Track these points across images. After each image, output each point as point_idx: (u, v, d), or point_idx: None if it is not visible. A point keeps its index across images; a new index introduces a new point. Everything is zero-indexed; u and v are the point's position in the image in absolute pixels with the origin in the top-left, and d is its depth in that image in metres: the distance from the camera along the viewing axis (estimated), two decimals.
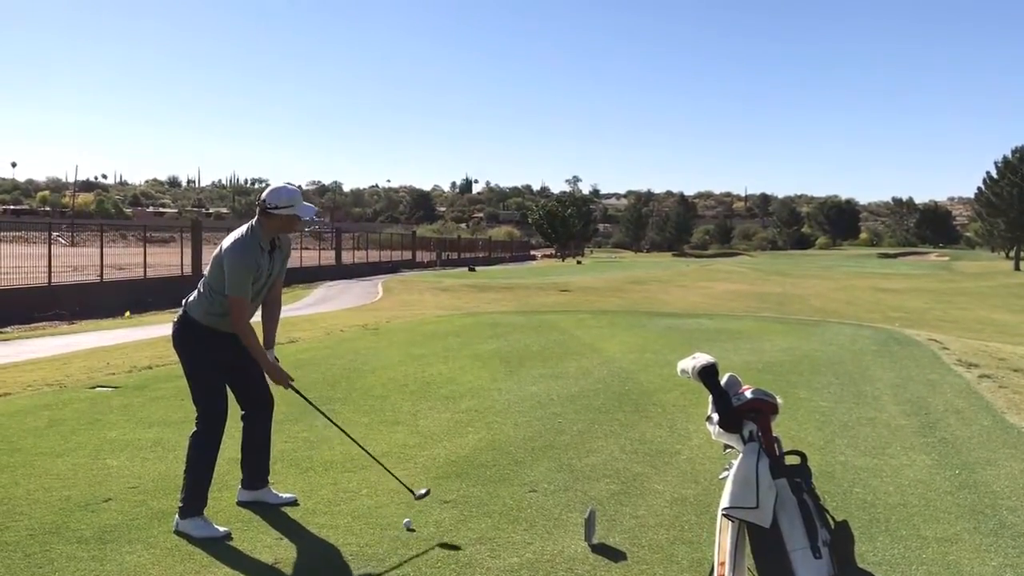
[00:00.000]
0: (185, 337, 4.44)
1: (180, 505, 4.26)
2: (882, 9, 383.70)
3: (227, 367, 4.45)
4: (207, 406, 4.37)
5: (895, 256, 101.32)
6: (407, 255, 55.04)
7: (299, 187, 4.52)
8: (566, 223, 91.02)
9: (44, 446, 5.75)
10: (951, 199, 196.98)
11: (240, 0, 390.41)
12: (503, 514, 4.52)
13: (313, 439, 6.00)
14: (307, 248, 40.80)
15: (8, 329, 17.99)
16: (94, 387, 8.05)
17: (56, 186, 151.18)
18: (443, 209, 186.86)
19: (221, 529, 4.19)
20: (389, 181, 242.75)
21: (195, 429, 4.37)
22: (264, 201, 4.32)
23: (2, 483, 4.91)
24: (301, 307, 22.22)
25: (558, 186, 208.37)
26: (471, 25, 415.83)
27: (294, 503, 4.65)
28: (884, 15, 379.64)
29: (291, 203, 4.31)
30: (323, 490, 4.89)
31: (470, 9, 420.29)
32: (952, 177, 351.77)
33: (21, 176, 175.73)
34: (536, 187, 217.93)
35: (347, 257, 44.60)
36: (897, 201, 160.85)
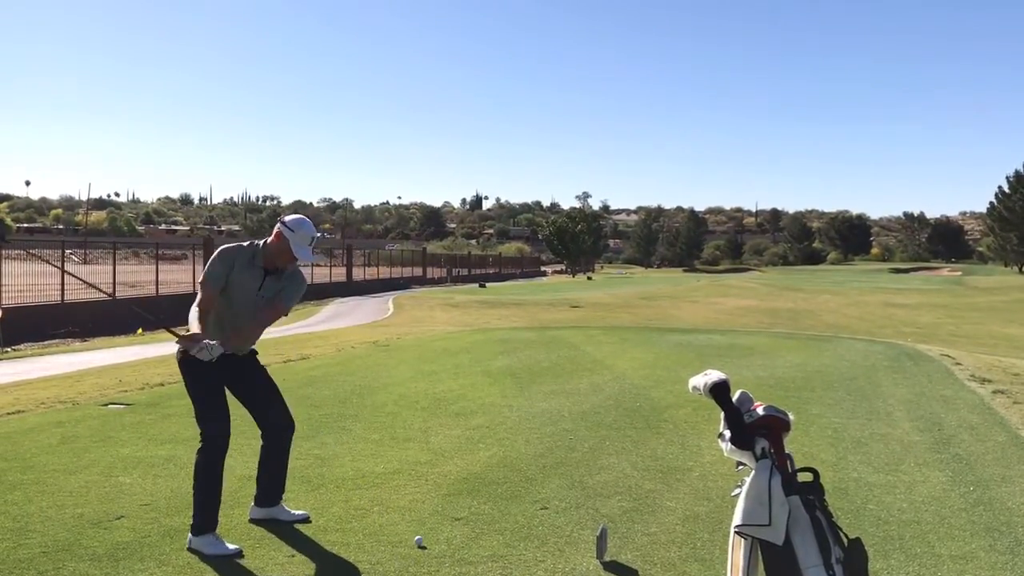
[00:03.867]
0: (189, 356, 4.45)
1: (192, 523, 4.27)
2: (893, 24, 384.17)
3: (234, 388, 4.47)
4: (206, 426, 4.39)
5: (907, 271, 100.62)
6: (418, 271, 55.19)
7: (320, 235, 4.50)
8: (576, 239, 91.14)
9: (57, 463, 5.78)
10: (963, 214, 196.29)
11: (252, 19, 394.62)
12: (514, 531, 4.51)
13: (324, 456, 6.01)
14: (318, 265, 40.94)
15: (22, 346, 18.13)
16: (107, 404, 8.09)
17: (69, 204, 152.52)
18: (453, 225, 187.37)
19: (232, 547, 4.20)
20: (400, 198, 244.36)
21: (199, 447, 4.40)
22: (283, 219, 4.38)
23: (15, 500, 4.94)
24: (312, 324, 22.28)
25: (568, 202, 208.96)
26: (481, 43, 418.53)
27: (306, 520, 4.65)
28: (895, 30, 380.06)
29: (294, 231, 4.33)
30: (334, 507, 4.89)
31: (479, 27, 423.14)
32: (964, 192, 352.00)
33: (35, 194, 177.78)
34: (546, 203, 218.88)
35: (358, 274, 44.80)
36: (908, 216, 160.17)
